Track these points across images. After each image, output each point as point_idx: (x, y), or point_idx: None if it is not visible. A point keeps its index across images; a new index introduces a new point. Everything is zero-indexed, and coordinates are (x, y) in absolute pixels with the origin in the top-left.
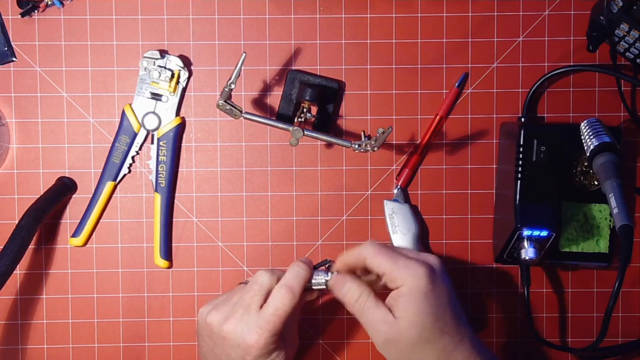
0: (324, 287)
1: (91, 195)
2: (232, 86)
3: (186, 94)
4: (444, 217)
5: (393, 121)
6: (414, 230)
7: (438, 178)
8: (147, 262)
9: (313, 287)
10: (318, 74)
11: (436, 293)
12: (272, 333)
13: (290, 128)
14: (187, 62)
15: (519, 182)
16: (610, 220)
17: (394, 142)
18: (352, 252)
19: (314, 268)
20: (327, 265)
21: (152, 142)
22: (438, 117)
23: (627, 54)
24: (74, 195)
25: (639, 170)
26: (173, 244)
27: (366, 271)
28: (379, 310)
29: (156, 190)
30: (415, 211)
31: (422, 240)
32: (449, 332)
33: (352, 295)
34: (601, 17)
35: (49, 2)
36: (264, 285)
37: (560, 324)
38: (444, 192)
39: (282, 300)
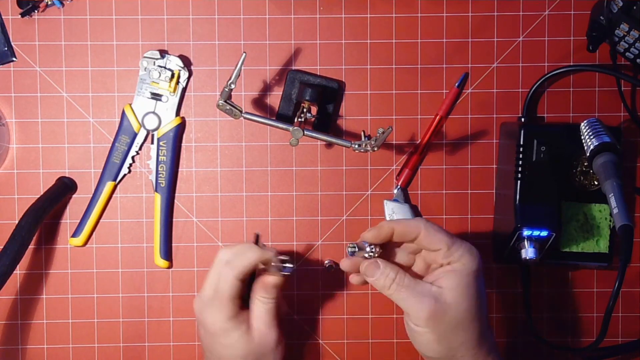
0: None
1: (91, 195)
2: (232, 86)
3: (186, 94)
4: (444, 217)
5: (393, 121)
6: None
7: (438, 178)
8: (147, 262)
9: (357, 256)
10: (318, 74)
11: (481, 275)
12: (221, 311)
13: (290, 128)
14: (187, 62)
15: (519, 182)
16: (610, 220)
17: (394, 142)
18: (401, 223)
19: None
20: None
21: (152, 142)
22: (438, 117)
23: (627, 54)
24: (74, 195)
25: (639, 170)
26: (173, 244)
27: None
28: (421, 285)
29: (156, 190)
30: (415, 211)
31: None
32: (486, 315)
33: (389, 276)
34: (601, 17)
35: (49, 2)
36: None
37: (560, 324)
38: (444, 192)
39: (223, 278)
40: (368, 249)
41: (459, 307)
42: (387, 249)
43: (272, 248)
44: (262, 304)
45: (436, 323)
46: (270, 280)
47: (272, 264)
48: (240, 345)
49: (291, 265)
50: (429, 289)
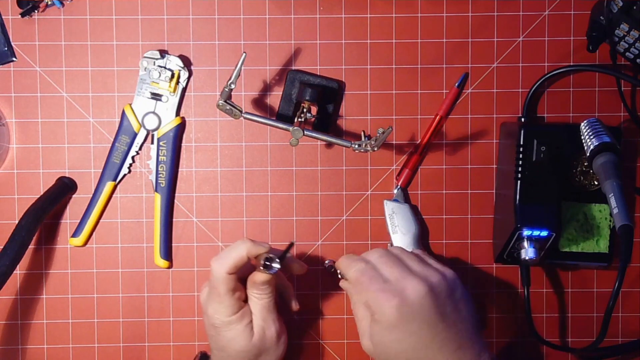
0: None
1: (91, 195)
2: (232, 86)
3: (186, 94)
4: (444, 217)
5: (393, 121)
6: (414, 230)
7: (438, 178)
8: (147, 262)
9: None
10: (318, 74)
11: (406, 325)
12: (221, 306)
13: (290, 128)
14: (187, 62)
15: (519, 182)
16: (610, 220)
17: (394, 142)
18: (341, 260)
19: (284, 253)
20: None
21: (152, 142)
22: (438, 117)
23: (627, 54)
24: (74, 195)
25: (639, 170)
26: (173, 244)
27: None
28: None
29: (156, 190)
30: (415, 211)
31: (422, 240)
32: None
33: (359, 268)
34: (601, 17)
35: (49, 2)
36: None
37: (560, 324)
38: (444, 192)
39: (215, 273)
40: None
41: (378, 354)
42: None
43: (267, 245)
44: (257, 300)
45: (399, 325)
46: (256, 277)
47: (261, 261)
48: (241, 340)
49: (277, 266)
50: (366, 326)
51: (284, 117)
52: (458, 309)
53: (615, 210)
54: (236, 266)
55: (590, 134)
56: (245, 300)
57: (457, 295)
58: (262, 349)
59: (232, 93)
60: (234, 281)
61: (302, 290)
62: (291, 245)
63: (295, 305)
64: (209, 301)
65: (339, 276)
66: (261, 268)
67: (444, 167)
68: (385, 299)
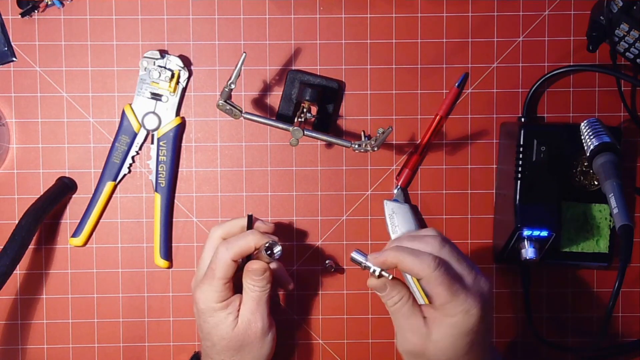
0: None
1: (91, 195)
2: (232, 86)
3: (186, 94)
4: (444, 217)
5: (393, 121)
6: (414, 230)
7: (438, 178)
8: (147, 262)
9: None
10: (318, 74)
11: (477, 332)
12: (212, 291)
13: (290, 128)
14: (187, 62)
15: (519, 182)
16: (610, 220)
17: (394, 142)
18: (408, 260)
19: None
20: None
21: (152, 142)
22: (438, 117)
23: (627, 54)
24: (74, 195)
25: (639, 170)
26: (173, 244)
27: None
28: (413, 319)
29: (156, 190)
30: (415, 211)
31: None
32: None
33: (392, 299)
34: (601, 17)
35: (49, 2)
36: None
37: (560, 324)
38: (444, 192)
39: (219, 257)
40: (373, 269)
41: (439, 356)
42: None
43: (275, 238)
44: (249, 291)
45: (415, 358)
46: (253, 265)
47: (262, 250)
48: (224, 327)
49: (279, 249)
50: (420, 327)
51: (284, 117)
52: None
53: (615, 210)
54: (242, 254)
55: (590, 134)
56: (234, 293)
57: None
58: (244, 341)
59: (232, 93)
60: (233, 269)
61: (302, 290)
62: (250, 218)
63: (290, 285)
64: (199, 284)
65: (380, 273)
66: (262, 254)
67: (444, 167)
68: (473, 302)
